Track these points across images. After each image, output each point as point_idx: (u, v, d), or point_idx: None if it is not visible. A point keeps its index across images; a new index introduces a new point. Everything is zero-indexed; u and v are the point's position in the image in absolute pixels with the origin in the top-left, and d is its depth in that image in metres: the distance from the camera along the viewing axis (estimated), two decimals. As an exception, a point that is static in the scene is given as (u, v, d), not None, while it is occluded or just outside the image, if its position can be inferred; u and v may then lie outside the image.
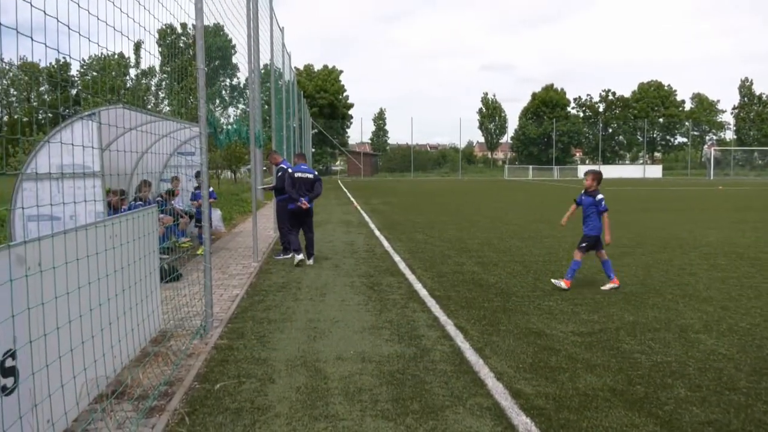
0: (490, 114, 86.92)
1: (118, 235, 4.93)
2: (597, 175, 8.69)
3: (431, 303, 7.87)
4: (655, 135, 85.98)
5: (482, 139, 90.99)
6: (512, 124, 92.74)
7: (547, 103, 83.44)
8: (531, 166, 73.86)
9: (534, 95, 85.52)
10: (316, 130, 75.36)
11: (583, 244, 8.55)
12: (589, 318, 7.12)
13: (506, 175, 71.98)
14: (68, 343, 3.95)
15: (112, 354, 4.80)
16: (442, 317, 7.17)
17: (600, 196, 8.53)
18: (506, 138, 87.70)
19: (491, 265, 10.60)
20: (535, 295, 8.32)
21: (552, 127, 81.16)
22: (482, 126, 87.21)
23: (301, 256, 10.73)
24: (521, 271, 10.04)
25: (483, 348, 6.02)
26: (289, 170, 11.07)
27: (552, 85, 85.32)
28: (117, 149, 9.10)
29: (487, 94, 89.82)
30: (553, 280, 8.75)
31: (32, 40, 3.11)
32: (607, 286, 8.58)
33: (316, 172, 11.30)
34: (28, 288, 3.53)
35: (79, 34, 3.68)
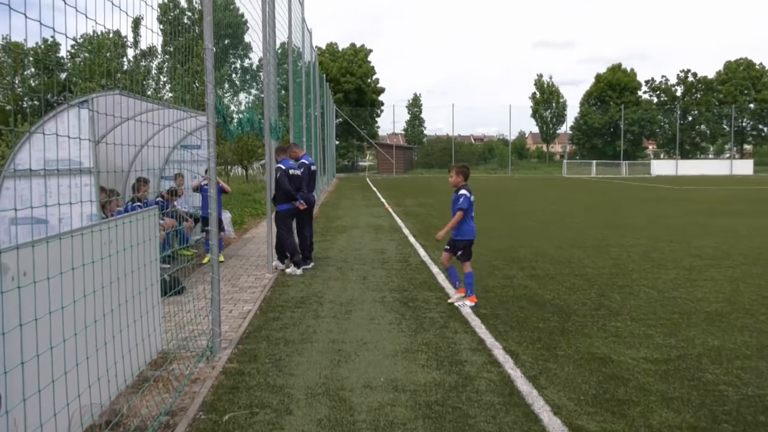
0: (546, 99, 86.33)
1: (113, 241, 5.02)
2: (461, 169, 8.94)
3: (476, 322, 7.84)
4: (744, 124, 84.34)
5: (536, 130, 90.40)
6: (572, 111, 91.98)
7: (613, 87, 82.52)
8: (594, 162, 73.09)
9: (598, 77, 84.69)
10: (340, 120, 75.76)
11: (459, 252, 8.83)
12: (664, 342, 7.02)
13: (564, 172, 71.35)
14: (51, 370, 4.01)
15: (107, 379, 4.88)
16: (489, 339, 7.13)
17: (460, 192, 8.78)
18: (565, 128, 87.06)
19: (547, 279, 10.52)
20: (599, 314, 8.23)
21: (620, 114, 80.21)
22: (536, 114, 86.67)
23: (300, 272, 11.09)
24: (583, 286, 9.94)
25: (537, 376, 5.98)
26: (282, 167, 11.25)
27: (620, 65, 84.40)
28: (113, 142, 9.27)
29: (541, 76, 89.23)
30: (454, 302, 8.84)
31: (25, 17, 3.18)
32: (455, 298, 8.85)
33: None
34: (18, 301, 3.61)
35: (67, 7, 3.76)
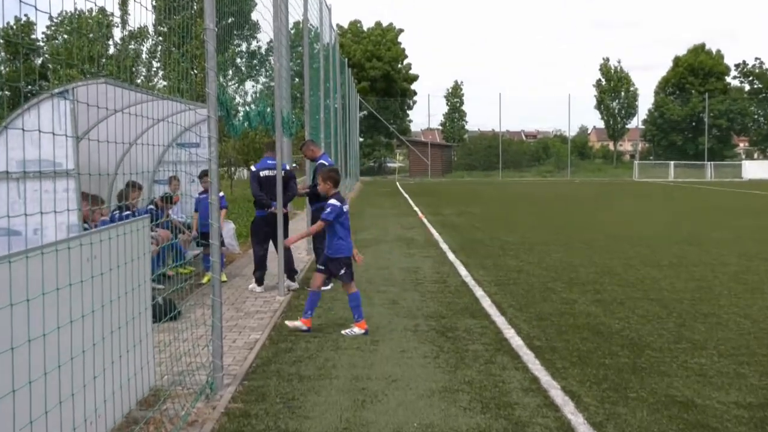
0: (613, 88, 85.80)
1: (97, 257, 5.04)
2: (328, 175, 9.19)
3: (528, 357, 7.79)
4: None
5: (601, 124, 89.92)
6: (644, 101, 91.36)
7: (695, 72, 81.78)
8: (672, 163, 72.41)
9: (677, 60, 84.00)
10: (365, 112, 75.99)
11: (342, 272, 8.96)
12: (760, 383, 6.91)
13: (636, 175, 70.79)
14: (29, 411, 4.02)
15: (90, 422, 4.91)
16: (545, 377, 7.08)
17: (329, 202, 9.01)
18: (636, 122, 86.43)
19: (615, 304, 10.44)
20: (679, 348, 8.13)
21: (703, 105, 79.44)
22: (601, 105, 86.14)
23: (261, 289, 11.63)
24: (659, 314, 9.84)
25: (604, 423, 5.92)
26: (253, 168, 11.69)
27: (703, 45, 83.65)
28: (97, 139, 9.37)
29: (607, 60, 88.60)
30: (287, 323, 9.18)
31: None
32: (294, 325, 9.03)
33: (288, 167, 11.68)
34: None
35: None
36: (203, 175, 12.17)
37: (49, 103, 8.12)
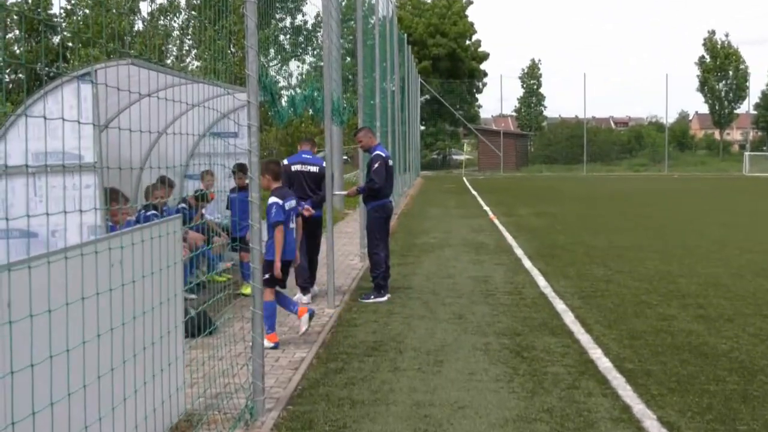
0: (719, 66, 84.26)
1: (123, 262, 5.06)
2: (265, 167, 9.17)
3: (618, 381, 7.73)
4: None
5: (704, 109, 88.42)
6: (757, 82, 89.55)
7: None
8: (791, 154, 70.96)
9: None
10: (427, 97, 75.93)
11: (266, 276, 8.69)
12: None
13: (746, 169, 69.56)
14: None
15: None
16: (638, 406, 7.02)
17: (270, 201, 9.16)
18: (747, 106, 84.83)
19: (721, 321, 10.30)
20: (798, 373, 7.99)
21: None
22: (705, 87, 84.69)
23: (307, 298, 11.67)
24: (774, 332, 9.70)
25: (708, 460, 5.83)
26: (285, 162, 11.76)
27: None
28: (122, 127, 9.52)
29: (713, 34, 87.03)
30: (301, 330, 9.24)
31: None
32: (303, 328, 9.16)
33: (324, 162, 11.77)
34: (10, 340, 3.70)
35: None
36: (237, 170, 12.23)
37: (69, 87, 8.25)
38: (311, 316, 9.21)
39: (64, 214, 4.20)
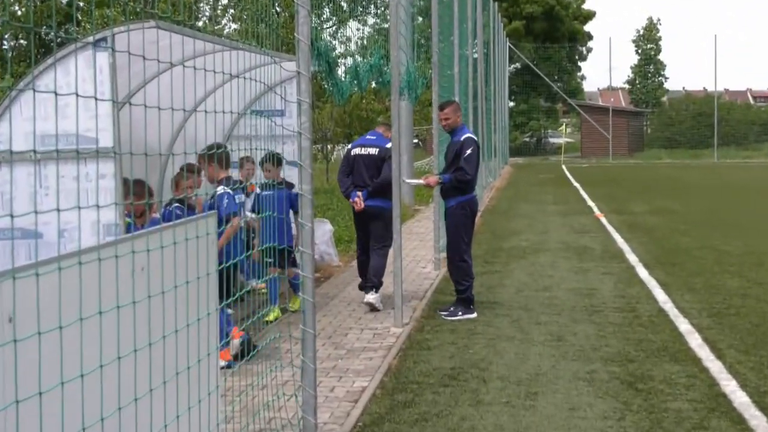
0: None
1: (145, 270, 5.03)
2: (214, 155, 9.46)
3: (758, 421, 7.64)
4: None
5: None
6: None
7: None
8: None
9: None
10: (517, 65, 75.62)
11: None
12: None
13: None
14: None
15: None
16: (783, 452, 6.93)
17: (221, 191, 9.58)
18: None
19: None
20: None
21: None
22: None
23: (369, 298, 12.04)
24: None
25: None
26: (349, 146, 12.22)
27: None
28: (142, 104, 9.61)
29: None
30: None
31: None
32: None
33: (390, 144, 11.88)
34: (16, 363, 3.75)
35: None
36: (265, 161, 12.15)
37: (82, 55, 8.34)
38: (244, 343, 9.14)
39: (78, 210, 4.19)
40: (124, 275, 4.75)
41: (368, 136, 12.09)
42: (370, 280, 12.22)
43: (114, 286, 4.60)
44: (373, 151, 12.08)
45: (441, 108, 12.71)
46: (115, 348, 4.62)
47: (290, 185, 11.96)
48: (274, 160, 11.24)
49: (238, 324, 9.03)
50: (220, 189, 9.39)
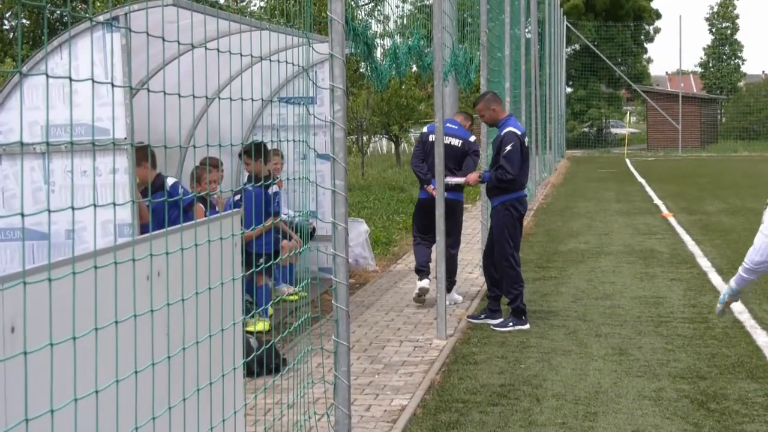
0: None
1: (162, 274, 5.03)
2: (146, 153, 9.47)
3: None
4: None
5: None
6: None
7: None
8: None
9: None
10: (576, 47, 75.31)
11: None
12: None
13: None
14: None
15: None
16: None
17: (171, 181, 9.69)
18: None
19: None
20: None
21: None
22: None
23: (424, 283, 12.43)
24: None
25: None
26: (424, 130, 12.50)
27: None
28: (157, 90, 9.67)
29: None
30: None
31: None
32: None
33: (473, 137, 12.18)
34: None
35: None
36: (243, 152, 12.16)
37: (93, 36, 8.38)
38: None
39: (94, 209, 4.19)
40: (141, 280, 4.76)
41: (448, 124, 12.06)
42: (450, 277, 12.66)
43: (131, 292, 4.61)
44: (456, 141, 12.40)
45: (473, 105, 12.91)
46: (132, 362, 4.63)
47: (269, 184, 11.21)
48: (253, 151, 11.26)
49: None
50: (170, 180, 9.50)
